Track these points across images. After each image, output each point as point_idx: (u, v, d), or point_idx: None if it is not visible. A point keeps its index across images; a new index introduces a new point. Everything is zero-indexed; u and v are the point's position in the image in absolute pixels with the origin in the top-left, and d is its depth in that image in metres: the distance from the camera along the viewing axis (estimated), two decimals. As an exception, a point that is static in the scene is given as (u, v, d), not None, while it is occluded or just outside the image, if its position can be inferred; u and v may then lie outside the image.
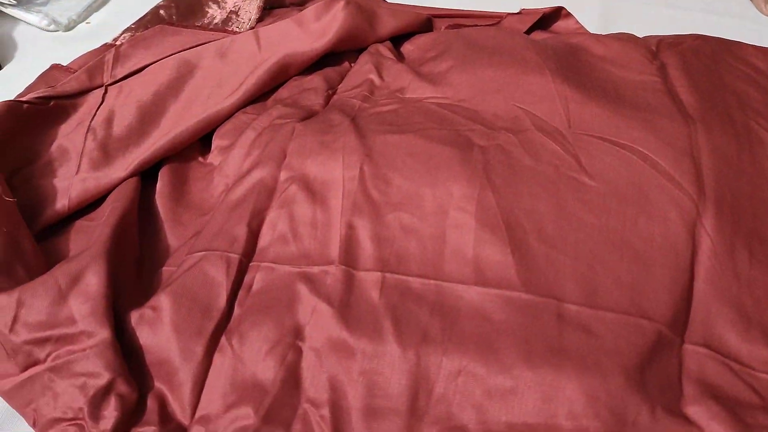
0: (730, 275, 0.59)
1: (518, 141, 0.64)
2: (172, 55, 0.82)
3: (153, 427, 0.52)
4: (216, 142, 0.75)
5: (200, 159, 0.76)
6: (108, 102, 0.78)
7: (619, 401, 0.51)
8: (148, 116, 0.76)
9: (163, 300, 0.57)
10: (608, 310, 0.55)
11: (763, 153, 0.68)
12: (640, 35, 0.83)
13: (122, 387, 0.53)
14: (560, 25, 0.93)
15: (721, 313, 0.58)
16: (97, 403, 0.52)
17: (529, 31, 0.91)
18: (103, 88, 0.79)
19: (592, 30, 0.92)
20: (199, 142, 0.77)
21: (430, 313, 0.55)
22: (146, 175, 0.73)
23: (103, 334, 0.54)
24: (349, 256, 0.59)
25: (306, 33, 0.80)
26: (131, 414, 0.53)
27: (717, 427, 0.51)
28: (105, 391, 0.53)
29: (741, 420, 0.52)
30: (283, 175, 0.65)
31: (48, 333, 0.54)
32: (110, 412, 0.52)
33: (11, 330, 0.54)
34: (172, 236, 0.68)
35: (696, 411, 0.53)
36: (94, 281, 0.56)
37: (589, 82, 0.69)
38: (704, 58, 0.76)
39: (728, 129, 0.67)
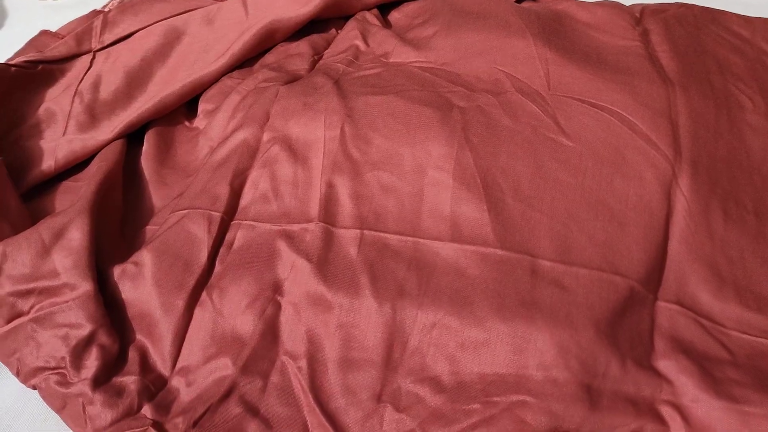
0: (704, 235, 0.60)
1: (498, 102, 0.64)
2: (159, 21, 0.82)
3: (134, 377, 0.54)
4: (202, 106, 0.76)
5: (186, 123, 0.77)
6: (96, 67, 0.78)
7: (589, 353, 0.52)
8: (135, 81, 0.77)
9: (145, 255, 0.58)
10: (581, 266, 0.56)
11: (741, 117, 0.69)
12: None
13: (104, 338, 0.54)
14: (549, -6, 0.94)
15: (694, 271, 0.58)
16: (78, 353, 0.54)
17: (519, 0, 0.91)
18: (91, 53, 0.80)
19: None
20: (186, 106, 0.78)
21: (406, 269, 0.56)
22: (132, 138, 0.74)
23: (86, 286, 0.55)
24: (329, 214, 0.60)
25: (293, -1, 0.80)
26: (112, 364, 0.54)
27: (686, 380, 0.53)
28: (87, 342, 0.54)
29: (710, 374, 0.53)
30: (265, 136, 0.66)
31: (32, 285, 0.55)
32: (91, 362, 0.53)
33: None
34: (156, 197, 0.69)
35: (666, 365, 0.54)
36: (77, 236, 0.57)
37: (571, 46, 0.70)
38: (687, 25, 0.77)
39: (707, 93, 0.68)
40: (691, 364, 0.53)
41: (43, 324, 0.55)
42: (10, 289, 0.55)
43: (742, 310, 0.58)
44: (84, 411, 0.52)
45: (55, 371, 0.54)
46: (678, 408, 0.52)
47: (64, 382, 0.53)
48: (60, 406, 0.53)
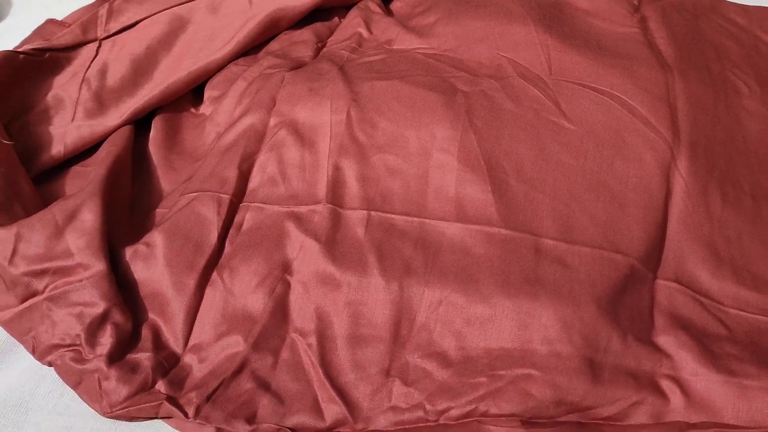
0: (702, 216, 0.61)
1: (500, 87, 0.66)
2: (164, 10, 0.83)
3: (148, 353, 0.55)
4: (208, 92, 0.77)
5: (192, 110, 0.78)
6: (102, 55, 0.79)
7: (591, 328, 0.53)
8: (141, 69, 0.78)
9: (156, 237, 0.59)
10: (583, 245, 0.57)
11: (738, 102, 0.70)
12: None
13: (117, 316, 0.55)
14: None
15: (693, 251, 0.60)
16: (93, 330, 0.55)
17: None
18: (97, 42, 0.81)
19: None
20: (191, 93, 0.79)
21: (413, 248, 0.58)
22: (140, 125, 0.75)
23: (99, 266, 0.56)
24: (336, 196, 0.61)
25: (297, -12, 0.81)
26: (126, 342, 0.56)
27: (685, 354, 0.54)
28: (101, 320, 0.55)
29: (708, 349, 0.55)
30: (272, 121, 0.67)
31: (46, 265, 0.57)
32: (106, 339, 0.55)
33: (10, 262, 0.57)
34: (165, 181, 0.70)
35: (666, 340, 0.55)
36: (89, 217, 0.58)
37: (571, 33, 0.71)
38: (685, 12, 0.78)
39: (705, 78, 0.69)
40: (690, 340, 0.55)
41: (57, 303, 0.56)
42: (25, 269, 0.56)
43: (739, 289, 0.59)
44: (100, 386, 0.53)
45: (71, 348, 0.55)
46: (678, 381, 0.54)
47: (80, 359, 0.54)
48: (76, 381, 0.54)
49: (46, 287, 0.57)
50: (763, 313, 0.58)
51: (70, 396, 0.55)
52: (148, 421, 0.53)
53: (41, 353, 0.56)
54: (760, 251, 0.62)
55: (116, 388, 0.53)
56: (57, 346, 0.55)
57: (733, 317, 0.58)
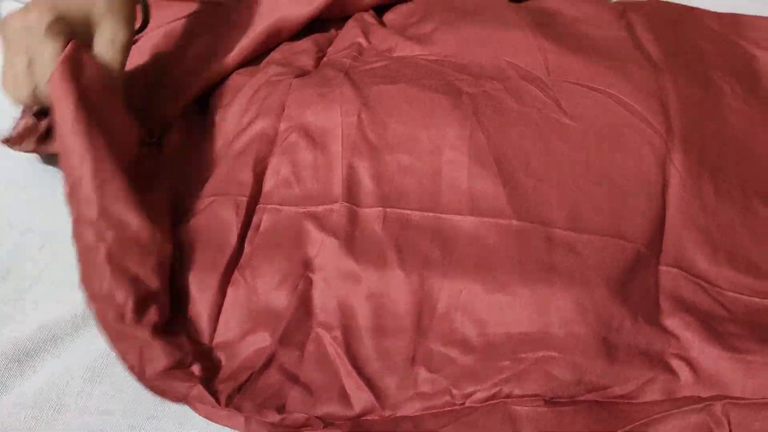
0: (697, 206, 0.65)
1: (503, 88, 0.69)
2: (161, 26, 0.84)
3: (185, 338, 0.57)
4: (213, 101, 0.78)
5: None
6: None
7: (604, 310, 0.56)
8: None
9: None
10: (592, 233, 0.60)
11: (723, 101, 0.74)
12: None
13: (164, 300, 0.58)
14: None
15: (691, 238, 0.63)
16: (142, 300, 0.56)
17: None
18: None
19: None
20: (194, 103, 0.80)
21: (430, 241, 0.60)
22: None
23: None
24: (352, 195, 0.63)
25: (297, -2, 0.83)
26: (166, 326, 0.57)
27: (691, 335, 0.57)
28: (151, 297, 0.56)
29: (712, 329, 0.58)
30: (282, 126, 0.69)
31: None
32: (152, 316, 0.55)
33: None
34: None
35: (672, 323, 0.58)
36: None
37: (565, 37, 0.74)
38: (666, 17, 0.83)
39: (691, 78, 0.73)
40: (695, 321, 0.58)
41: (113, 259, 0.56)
42: None
43: (734, 274, 0.62)
44: (141, 353, 0.54)
45: (116, 309, 0.55)
46: (686, 360, 0.56)
47: (124, 322, 0.54)
48: (116, 338, 0.55)
49: None
50: (759, 296, 0.61)
51: (99, 395, 0.55)
52: (179, 419, 0.54)
53: (87, 299, 0.56)
54: (751, 239, 0.65)
55: (158, 357, 0.54)
56: (105, 298, 0.55)
57: (731, 300, 0.61)
